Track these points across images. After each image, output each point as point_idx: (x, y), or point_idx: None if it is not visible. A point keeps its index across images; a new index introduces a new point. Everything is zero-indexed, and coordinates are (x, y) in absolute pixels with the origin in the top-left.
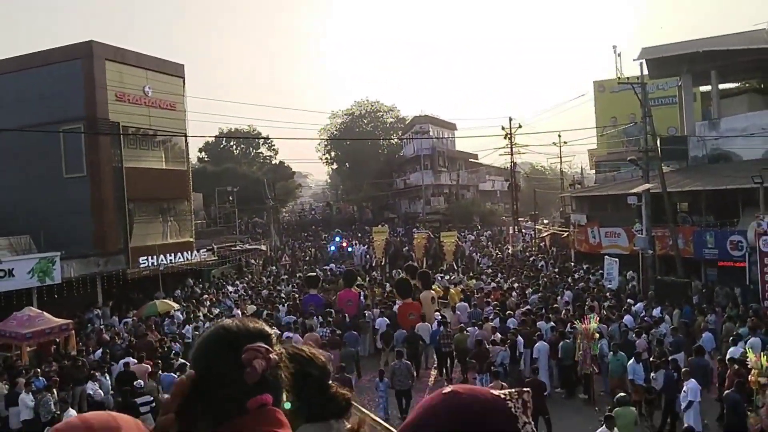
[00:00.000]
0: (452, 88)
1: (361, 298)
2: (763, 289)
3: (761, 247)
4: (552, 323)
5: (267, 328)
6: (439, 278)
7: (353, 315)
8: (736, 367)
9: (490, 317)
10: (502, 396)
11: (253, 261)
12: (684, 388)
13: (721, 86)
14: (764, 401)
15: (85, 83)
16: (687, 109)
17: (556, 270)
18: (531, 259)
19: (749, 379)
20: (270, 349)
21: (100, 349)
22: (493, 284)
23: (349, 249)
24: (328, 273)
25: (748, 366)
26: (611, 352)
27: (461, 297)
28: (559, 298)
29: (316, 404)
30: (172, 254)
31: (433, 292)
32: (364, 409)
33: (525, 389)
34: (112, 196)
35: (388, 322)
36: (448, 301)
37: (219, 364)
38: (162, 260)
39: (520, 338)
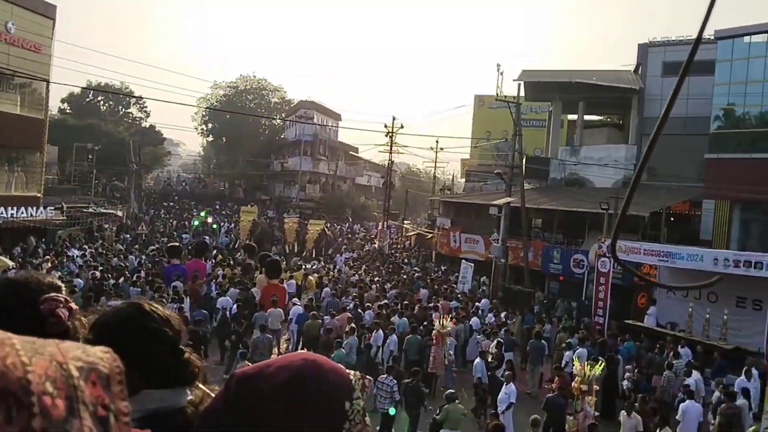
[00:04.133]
0: (342, 81)
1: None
2: (596, 305)
3: (599, 268)
4: (405, 318)
5: (57, 281)
6: (304, 265)
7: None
8: (562, 373)
9: (349, 307)
10: (347, 371)
11: (106, 226)
12: (504, 390)
13: (587, 117)
14: (582, 407)
15: None
16: (553, 133)
17: (417, 268)
18: (394, 255)
19: (573, 385)
20: (68, 298)
21: None
22: (356, 276)
23: (214, 226)
24: (184, 245)
25: (573, 373)
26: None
27: (317, 285)
28: (415, 295)
29: (165, 368)
30: (15, 208)
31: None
32: (202, 386)
33: (368, 377)
34: None
35: (237, 304)
36: (307, 287)
37: (13, 319)
38: (2, 212)
39: (380, 332)
